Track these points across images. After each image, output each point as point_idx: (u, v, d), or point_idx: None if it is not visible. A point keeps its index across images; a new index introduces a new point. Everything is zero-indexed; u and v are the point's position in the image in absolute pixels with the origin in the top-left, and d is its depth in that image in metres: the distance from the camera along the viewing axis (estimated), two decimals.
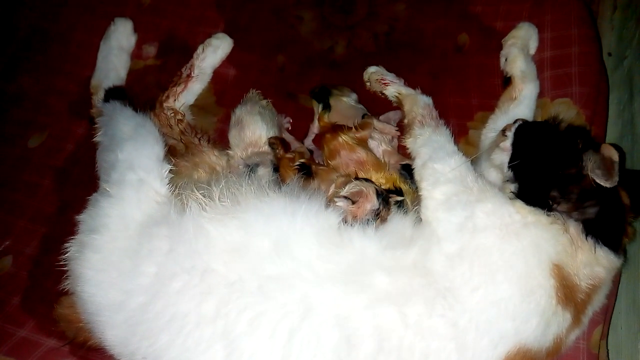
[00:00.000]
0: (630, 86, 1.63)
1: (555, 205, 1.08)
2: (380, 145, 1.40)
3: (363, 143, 1.35)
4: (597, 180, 1.02)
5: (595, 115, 1.41)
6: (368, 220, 1.12)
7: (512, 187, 1.15)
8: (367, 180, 1.21)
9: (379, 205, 1.15)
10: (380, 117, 1.49)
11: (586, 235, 1.06)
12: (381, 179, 1.25)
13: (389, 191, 1.21)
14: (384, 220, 1.14)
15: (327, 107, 1.48)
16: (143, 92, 1.67)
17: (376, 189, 1.17)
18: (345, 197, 1.15)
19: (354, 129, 1.36)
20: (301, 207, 1.07)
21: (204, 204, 1.11)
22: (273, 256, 1.03)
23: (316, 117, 1.52)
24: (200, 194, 1.15)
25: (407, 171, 1.29)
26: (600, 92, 1.46)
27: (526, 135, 1.20)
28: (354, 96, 1.54)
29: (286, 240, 1.04)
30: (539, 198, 1.09)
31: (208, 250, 1.05)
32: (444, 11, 1.67)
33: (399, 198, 1.20)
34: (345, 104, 1.49)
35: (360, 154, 1.31)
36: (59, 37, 1.81)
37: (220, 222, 1.07)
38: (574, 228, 1.06)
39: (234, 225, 1.07)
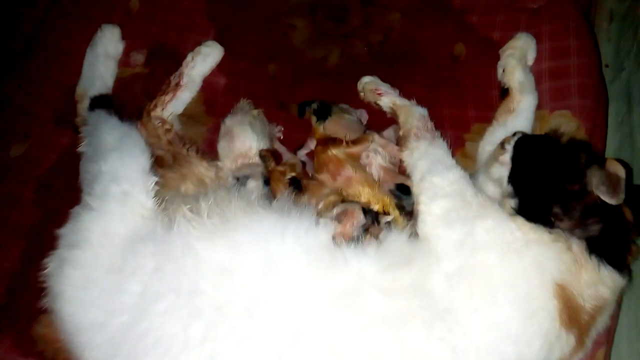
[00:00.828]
0: (628, 98, 1.60)
1: (557, 222, 1.04)
2: (376, 157, 1.33)
3: (354, 159, 1.31)
4: (602, 197, 0.98)
5: (595, 128, 1.37)
6: (357, 237, 1.07)
7: (512, 202, 1.11)
8: (352, 202, 1.17)
9: (366, 219, 1.10)
10: (384, 133, 1.44)
11: (590, 254, 1.02)
12: (371, 198, 1.20)
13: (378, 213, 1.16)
14: (374, 236, 1.09)
15: (321, 119, 1.43)
16: (130, 101, 1.61)
17: (362, 207, 1.12)
18: (332, 219, 1.11)
19: (345, 143, 1.31)
20: (291, 225, 1.03)
21: (192, 221, 1.06)
22: (262, 278, 0.98)
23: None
24: (188, 209, 1.11)
25: (402, 192, 1.24)
26: (600, 104, 1.42)
27: (526, 149, 1.16)
28: (357, 114, 1.51)
29: (276, 261, 1.00)
30: (540, 214, 1.06)
31: (196, 270, 1.00)
32: (439, 21, 1.63)
33: (389, 218, 1.15)
34: (347, 120, 1.44)
35: (348, 170, 1.27)
36: (44, 44, 1.75)
37: (209, 240, 1.03)
38: (577, 246, 1.02)
39: (223, 244, 1.02)
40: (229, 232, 1.04)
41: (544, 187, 1.08)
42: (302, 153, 1.52)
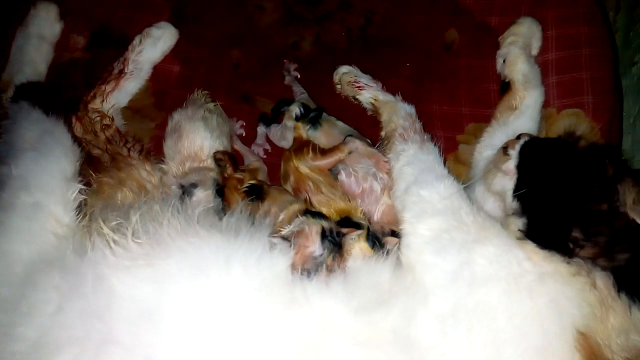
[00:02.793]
0: None
1: (577, 250, 0.83)
2: (382, 196, 1.05)
3: (323, 173, 1.08)
4: None
5: (612, 130, 1.17)
6: (309, 271, 0.85)
7: (519, 222, 0.90)
8: (317, 215, 0.94)
9: (323, 251, 0.88)
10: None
11: (618, 291, 0.80)
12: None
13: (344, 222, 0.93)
14: (331, 271, 0.87)
15: (315, 124, 1.21)
16: (67, 91, 1.40)
17: (322, 229, 0.90)
18: (284, 238, 0.89)
19: (311, 153, 1.09)
20: (238, 252, 0.80)
21: (112, 242, 0.83)
22: (198, 324, 0.76)
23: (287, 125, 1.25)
24: (113, 226, 0.88)
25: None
26: (615, 102, 1.22)
27: (536, 155, 0.95)
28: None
29: (217, 301, 0.77)
30: (555, 239, 0.84)
31: (110, 313, 0.77)
32: (429, 3, 1.44)
33: (358, 232, 0.92)
34: (340, 128, 1.23)
35: (309, 188, 1.05)
36: None
37: (130, 271, 0.79)
38: (603, 281, 0.81)
39: (148, 276, 0.79)
40: (157, 260, 0.80)
41: (560, 205, 0.86)
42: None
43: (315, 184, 1.05)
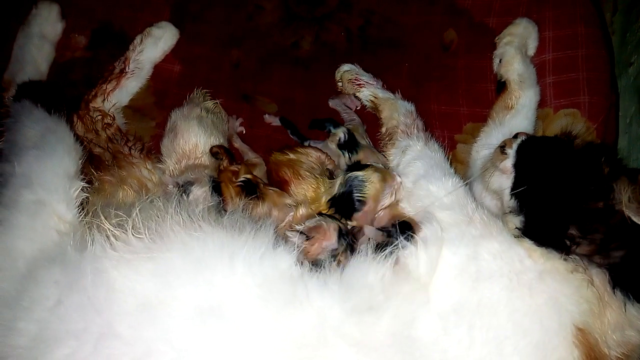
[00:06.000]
0: (637, 97, 1.43)
1: (573, 247, 0.84)
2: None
3: (300, 154, 1.13)
4: (635, 219, 0.78)
5: (607, 130, 1.18)
6: (322, 261, 0.88)
7: (517, 220, 0.91)
8: (332, 217, 0.96)
9: (338, 246, 0.91)
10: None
11: (613, 288, 0.81)
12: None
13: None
14: (340, 264, 0.90)
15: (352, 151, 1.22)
16: (68, 90, 1.40)
17: (339, 228, 0.93)
18: (301, 232, 0.91)
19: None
20: (242, 249, 0.80)
21: (112, 237, 0.83)
22: (198, 319, 0.76)
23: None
24: (114, 223, 0.88)
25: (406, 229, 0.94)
26: (611, 102, 1.23)
27: (533, 154, 0.96)
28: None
29: (219, 297, 0.77)
30: (552, 237, 0.85)
31: (109, 306, 0.77)
32: (428, 4, 1.45)
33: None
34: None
35: (287, 176, 1.10)
36: None
37: (130, 264, 0.80)
38: (599, 278, 0.82)
39: (148, 270, 0.79)
40: (159, 255, 0.81)
41: (557, 203, 0.87)
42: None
43: (293, 167, 1.08)
